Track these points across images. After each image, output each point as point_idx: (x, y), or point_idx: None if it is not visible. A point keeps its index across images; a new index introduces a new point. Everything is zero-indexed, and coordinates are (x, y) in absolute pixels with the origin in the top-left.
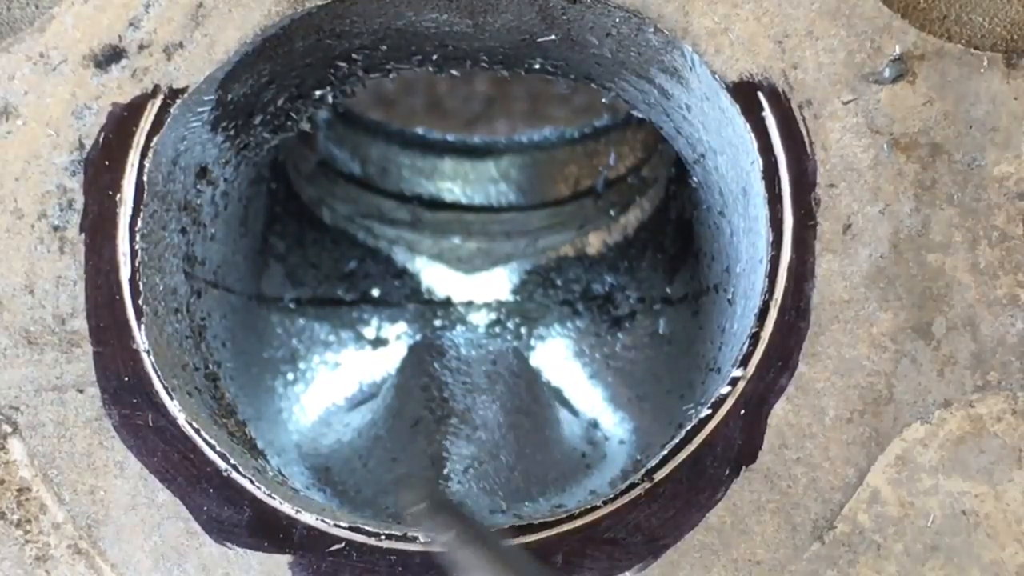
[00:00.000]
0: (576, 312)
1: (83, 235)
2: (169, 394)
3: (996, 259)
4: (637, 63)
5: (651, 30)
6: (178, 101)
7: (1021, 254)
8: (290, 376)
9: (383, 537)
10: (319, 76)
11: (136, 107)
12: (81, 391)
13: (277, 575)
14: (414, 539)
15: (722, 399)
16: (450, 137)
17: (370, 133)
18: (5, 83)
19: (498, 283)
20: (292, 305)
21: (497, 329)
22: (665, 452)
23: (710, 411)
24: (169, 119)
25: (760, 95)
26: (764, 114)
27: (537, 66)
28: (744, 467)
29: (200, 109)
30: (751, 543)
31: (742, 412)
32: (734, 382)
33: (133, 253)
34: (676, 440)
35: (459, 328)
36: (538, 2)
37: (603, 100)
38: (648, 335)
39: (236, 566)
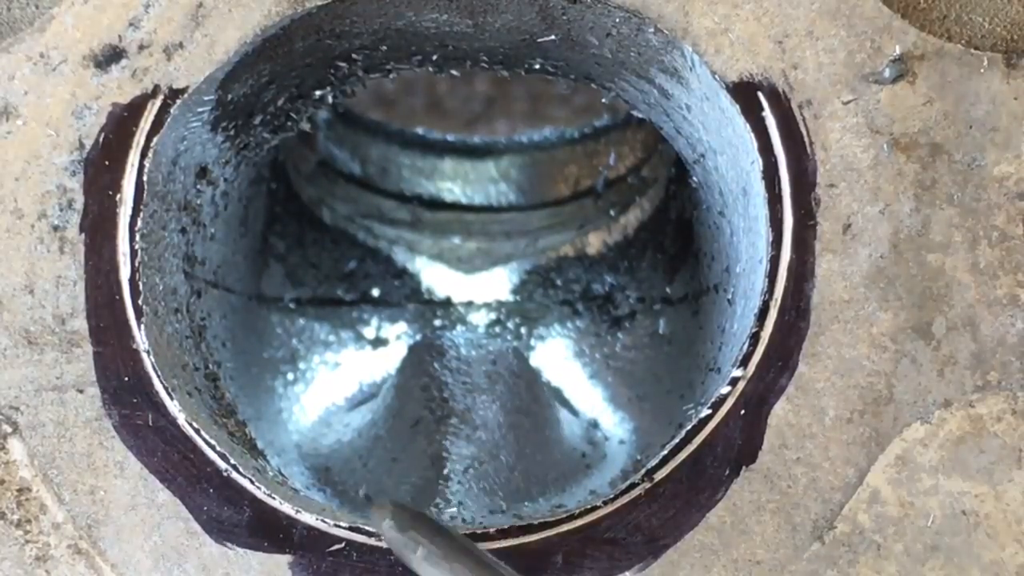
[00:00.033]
0: (576, 312)
1: (83, 235)
2: (169, 394)
3: (996, 259)
4: (637, 63)
5: (651, 30)
6: (178, 101)
7: (1021, 254)
8: (290, 376)
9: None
10: (319, 76)
11: (136, 107)
12: (81, 391)
13: (277, 575)
14: None
15: (722, 399)
16: (450, 137)
17: (370, 133)
18: (5, 83)
19: (498, 283)
20: (292, 305)
21: (497, 329)
22: (665, 452)
23: (710, 411)
24: (169, 119)
25: (760, 95)
26: (764, 114)
27: (537, 66)
28: (744, 467)
29: (200, 109)
30: (751, 543)
31: (742, 412)
32: (734, 382)
33: (133, 253)
34: (676, 440)
35: (459, 328)
36: (538, 2)
37: (603, 100)
38: (648, 335)
39: (236, 566)
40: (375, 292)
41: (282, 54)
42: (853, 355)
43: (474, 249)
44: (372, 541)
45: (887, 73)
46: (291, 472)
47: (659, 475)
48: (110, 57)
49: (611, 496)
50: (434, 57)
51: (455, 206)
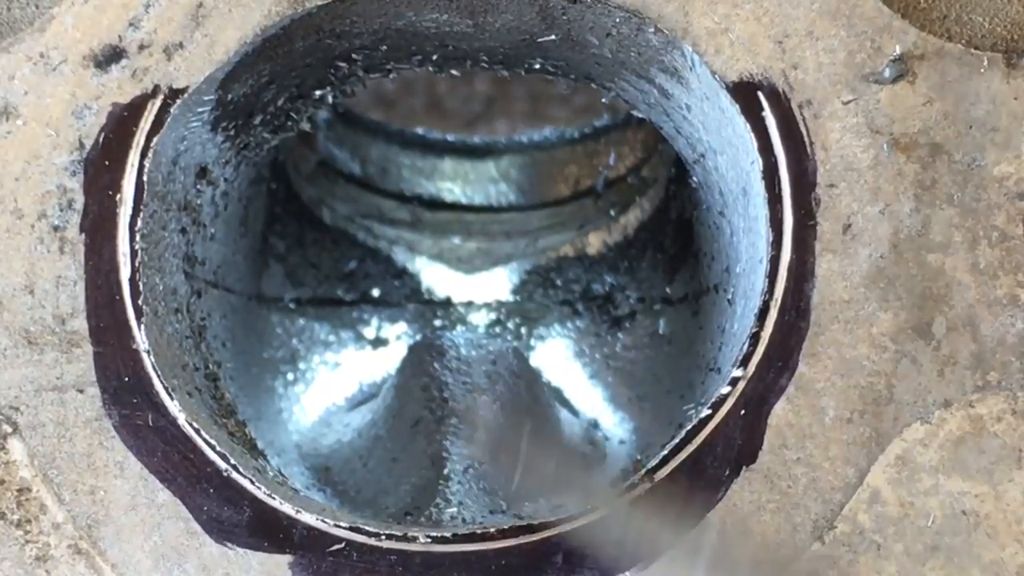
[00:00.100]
0: (576, 312)
1: (83, 235)
2: (169, 394)
3: (996, 259)
4: (637, 63)
5: (651, 30)
6: (178, 101)
7: (1021, 254)
8: (290, 376)
9: (383, 537)
10: (319, 76)
11: (136, 107)
12: (81, 391)
13: (277, 575)
14: (414, 539)
15: (722, 399)
16: (450, 137)
17: (370, 133)
18: (5, 83)
19: (498, 283)
20: (292, 305)
21: (497, 329)
22: (665, 452)
23: (710, 411)
24: (169, 119)
25: (760, 95)
26: (764, 114)
27: (537, 66)
28: (744, 467)
29: (200, 109)
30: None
31: (742, 412)
32: (734, 382)
33: (133, 253)
34: (676, 440)
35: (459, 328)
36: (538, 2)
37: (603, 100)
38: (648, 335)
39: (236, 566)
40: (375, 292)
41: (282, 54)
42: (853, 355)
43: (474, 249)
44: (372, 541)
45: (887, 73)
46: (291, 472)
47: (659, 475)
48: (110, 57)
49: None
50: (434, 57)
51: (455, 206)
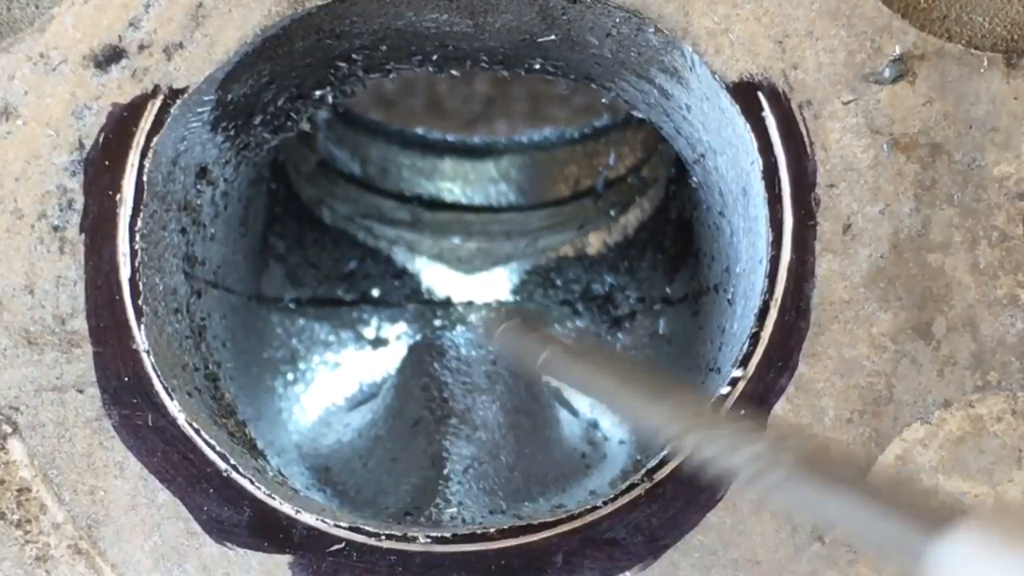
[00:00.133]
0: (576, 312)
1: (83, 235)
2: (169, 394)
3: (996, 259)
4: (637, 63)
5: (651, 30)
6: (178, 101)
7: (1021, 254)
8: (290, 376)
9: (383, 537)
10: (319, 76)
11: (136, 107)
12: (81, 391)
13: (277, 575)
14: (414, 539)
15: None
16: (450, 137)
17: (370, 133)
18: (5, 83)
19: (498, 283)
20: (292, 305)
21: None
22: (665, 452)
23: None
24: (169, 119)
25: (760, 95)
26: (764, 114)
27: (537, 66)
28: None
29: (200, 109)
30: (751, 543)
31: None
32: (734, 382)
33: (133, 253)
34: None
35: (459, 328)
36: (538, 2)
37: (603, 100)
38: (648, 335)
39: (236, 566)
40: (375, 292)
41: (282, 54)
42: (853, 355)
43: (474, 249)
44: (372, 541)
45: (887, 73)
46: (291, 472)
47: (659, 475)
48: (110, 57)
49: (611, 496)
50: (434, 57)
51: (455, 206)
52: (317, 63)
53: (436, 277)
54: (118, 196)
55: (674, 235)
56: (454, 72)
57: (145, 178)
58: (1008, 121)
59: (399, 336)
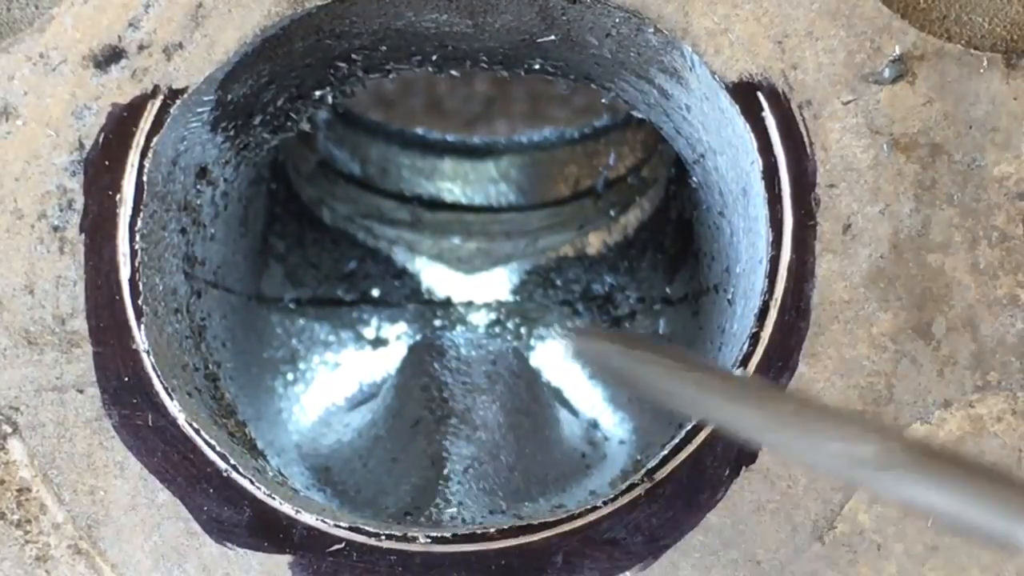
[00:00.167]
0: (576, 312)
1: (83, 235)
2: (169, 394)
3: (996, 259)
4: (637, 63)
5: (651, 30)
6: (178, 101)
7: (1021, 254)
8: (290, 376)
9: (383, 537)
10: (319, 76)
11: (136, 107)
12: (81, 391)
13: (277, 575)
14: (414, 539)
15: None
16: (450, 137)
17: (370, 133)
18: (5, 83)
19: (498, 283)
20: (292, 305)
21: (497, 329)
22: (665, 452)
23: None
24: (169, 119)
25: (760, 95)
26: (764, 114)
27: (537, 66)
28: (744, 467)
29: (200, 109)
30: (751, 543)
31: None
32: None
33: (133, 253)
34: (676, 440)
35: (459, 328)
36: (538, 2)
37: (603, 100)
38: (648, 335)
39: (236, 566)
40: (375, 292)
41: (282, 54)
42: (853, 355)
43: (474, 249)
44: (372, 541)
45: (887, 73)
46: (291, 472)
47: (659, 475)
48: (110, 57)
49: (611, 496)
50: (434, 57)
51: (455, 206)
52: (317, 63)
53: (436, 277)
54: (118, 196)
55: (674, 235)
56: (454, 72)
57: (145, 178)
58: (1008, 121)
59: (399, 336)
